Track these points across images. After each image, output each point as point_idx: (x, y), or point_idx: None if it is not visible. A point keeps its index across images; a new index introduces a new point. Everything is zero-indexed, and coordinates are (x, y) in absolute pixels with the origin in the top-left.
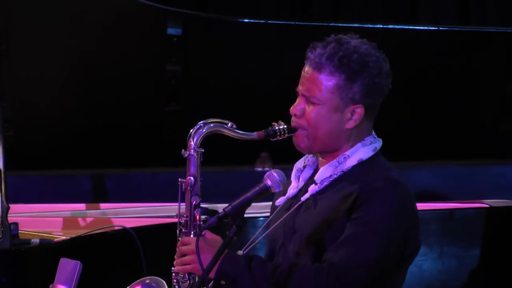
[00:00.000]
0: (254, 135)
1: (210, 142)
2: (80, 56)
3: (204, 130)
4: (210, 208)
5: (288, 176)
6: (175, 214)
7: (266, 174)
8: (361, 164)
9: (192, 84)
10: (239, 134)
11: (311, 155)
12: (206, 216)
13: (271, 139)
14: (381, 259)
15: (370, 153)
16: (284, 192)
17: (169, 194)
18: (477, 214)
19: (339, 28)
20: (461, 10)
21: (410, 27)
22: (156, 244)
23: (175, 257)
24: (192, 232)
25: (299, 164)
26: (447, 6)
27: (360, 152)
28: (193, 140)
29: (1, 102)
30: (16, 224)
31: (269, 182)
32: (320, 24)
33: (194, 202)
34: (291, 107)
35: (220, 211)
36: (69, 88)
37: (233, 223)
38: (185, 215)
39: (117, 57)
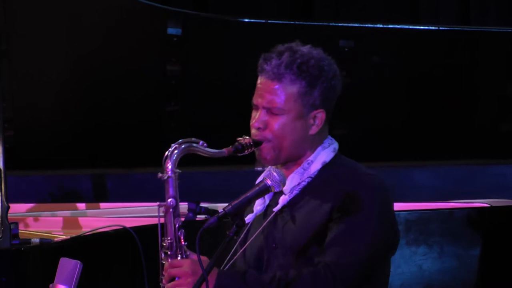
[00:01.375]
0: (224, 152)
1: (211, 142)
2: (80, 56)
3: (178, 151)
4: (210, 208)
5: None
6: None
7: (266, 174)
8: (325, 166)
9: (192, 84)
10: (210, 152)
11: (272, 168)
12: (206, 216)
13: (239, 154)
14: (372, 253)
15: (332, 155)
16: (250, 210)
17: None
18: (477, 214)
19: (339, 28)
20: (461, 10)
21: (410, 27)
22: (156, 244)
23: (164, 281)
24: (179, 255)
25: (261, 180)
26: (447, 6)
27: (322, 155)
28: (170, 162)
29: (1, 102)
30: (16, 224)
31: (269, 182)
32: (320, 24)
33: (177, 224)
34: (252, 120)
35: (220, 211)
36: (69, 88)
37: (233, 222)
38: (169, 238)
39: (117, 57)
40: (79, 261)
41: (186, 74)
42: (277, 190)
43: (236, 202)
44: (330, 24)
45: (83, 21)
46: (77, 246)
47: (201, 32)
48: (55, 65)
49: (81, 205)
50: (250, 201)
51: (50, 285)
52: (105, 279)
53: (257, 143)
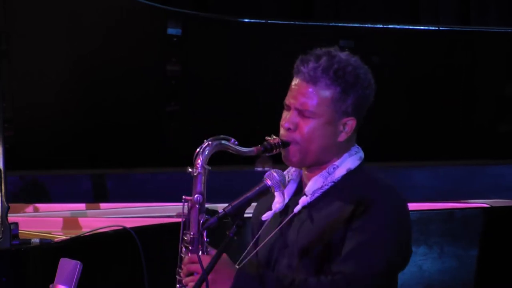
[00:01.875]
0: (253, 150)
1: None
2: (80, 56)
3: (210, 148)
4: (210, 208)
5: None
6: (175, 214)
7: (266, 174)
8: (350, 173)
9: (192, 84)
10: (240, 150)
11: (294, 168)
12: (206, 216)
13: (267, 154)
14: (390, 264)
15: (357, 162)
16: (268, 207)
17: (169, 194)
18: (477, 214)
19: (339, 28)
20: (461, 10)
21: (410, 27)
22: (156, 244)
23: (182, 275)
24: (200, 251)
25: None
26: (447, 6)
27: (348, 162)
28: (200, 158)
29: (1, 102)
30: (16, 224)
31: (269, 182)
32: (320, 24)
33: (202, 220)
34: (283, 121)
35: (220, 211)
36: (69, 88)
37: (233, 223)
38: (191, 233)
39: (117, 57)
40: (79, 262)
41: (186, 74)
42: (277, 190)
43: (236, 202)
44: (330, 24)
45: (83, 21)
46: (77, 246)
47: (201, 32)
48: (55, 65)
49: (81, 205)
50: (250, 202)
51: (50, 286)
52: (105, 279)
53: (285, 144)
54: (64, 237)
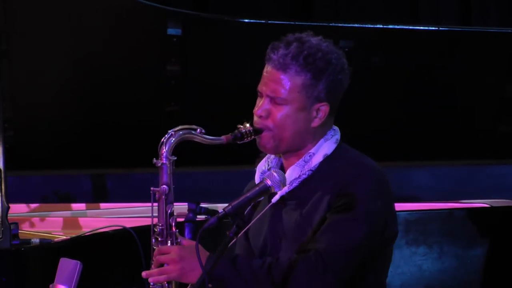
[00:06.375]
0: (222, 139)
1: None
2: (80, 56)
3: (175, 138)
4: (210, 208)
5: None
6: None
7: (266, 174)
8: (326, 159)
9: (192, 84)
10: (208, 139)
11: (273, 155)
12: (206, 216)
13: (238, 142)
14: (363, 243)
15: (333, 146)
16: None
17: None
18: (477, 214)
19: (339, 28)
20: (461, 10)
21: (410, 27)
22: None
23: (153, 266)
24: (169, 241)
25: (262, 166)
26: (447, 6)
27: (324, 148)
28: (165, 149)
29: (1, 102)
30: (16, 224)
31: (269, 182)
32: (320, 24)
33: (169, 211)
34: (255, 108)
35: (220, 211)
36: (69, 88)
37: (233, 223)
38: (160, 224)
39: (117, 57)
40: (79, 261)
41: (186, 74)
42: (277, 190)
43: (236, 202)
44: (330, 24)
45: (83, 21)
46: (77, 246)
47: (201, 32)
48: (55, 65)
49: (81, 205)
50: (250, 202)
51: (50, 285)
52: (105, 279)
53: (257, 131)
54: (64, 237)
